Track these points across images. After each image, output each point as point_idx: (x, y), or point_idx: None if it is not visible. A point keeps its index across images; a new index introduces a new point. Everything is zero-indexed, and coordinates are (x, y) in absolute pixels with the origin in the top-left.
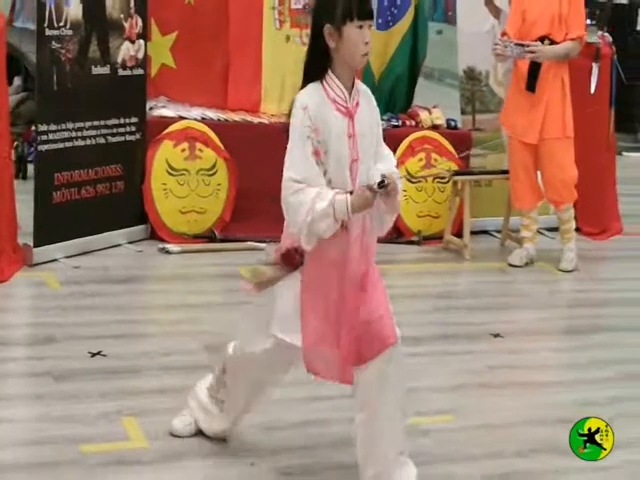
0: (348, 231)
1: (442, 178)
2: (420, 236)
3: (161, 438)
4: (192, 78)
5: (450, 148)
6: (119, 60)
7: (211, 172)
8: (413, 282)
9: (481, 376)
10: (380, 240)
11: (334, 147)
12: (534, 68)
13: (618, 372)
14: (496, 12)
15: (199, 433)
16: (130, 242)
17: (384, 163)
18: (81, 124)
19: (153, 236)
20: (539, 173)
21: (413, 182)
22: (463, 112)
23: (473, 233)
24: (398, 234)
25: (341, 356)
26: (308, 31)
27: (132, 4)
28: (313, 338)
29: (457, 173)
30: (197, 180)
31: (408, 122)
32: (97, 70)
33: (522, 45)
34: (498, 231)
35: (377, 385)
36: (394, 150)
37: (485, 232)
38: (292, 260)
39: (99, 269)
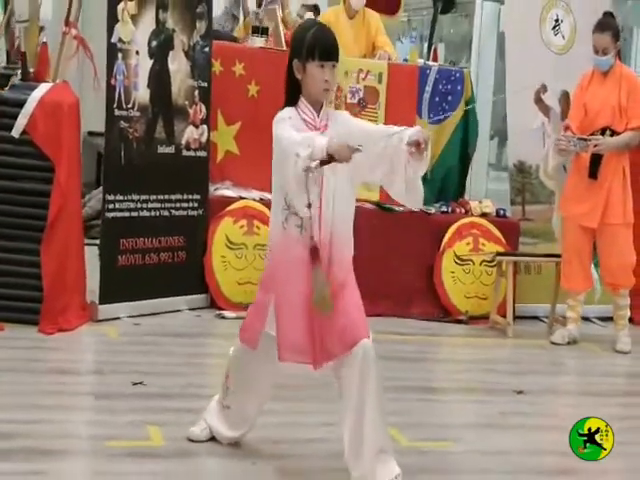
0: (308, 231)
1: (490, 261)
2: (467, 315)
3: (178, 440)
4: (254, 164)
5: (498, 234)
6: (183, 142)
7: (266, 247)
8: (450, 350)
9: (489, 418)
10: (428, 318)
11: None
12: (596, 157)
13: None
14: (545, 110)
15: (214, 439)
16: (191, 309)
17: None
18: (146, 197)
19: (212, 304)
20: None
21: (460, 264)
22: (513, 203)
23: (523, 318)
24: (445, 313)
25: (314, 342)
26: None
27: (197, 93)
28: (286, 329)
29: (501, 254)
30: (254, 254)
31: (458, 209)
32: (162, 149)
33: (585, 139)
34: (547, 317)
35: (359, 379)
36: (442, 235)
37: (535, 317)
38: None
39: (157, 326)
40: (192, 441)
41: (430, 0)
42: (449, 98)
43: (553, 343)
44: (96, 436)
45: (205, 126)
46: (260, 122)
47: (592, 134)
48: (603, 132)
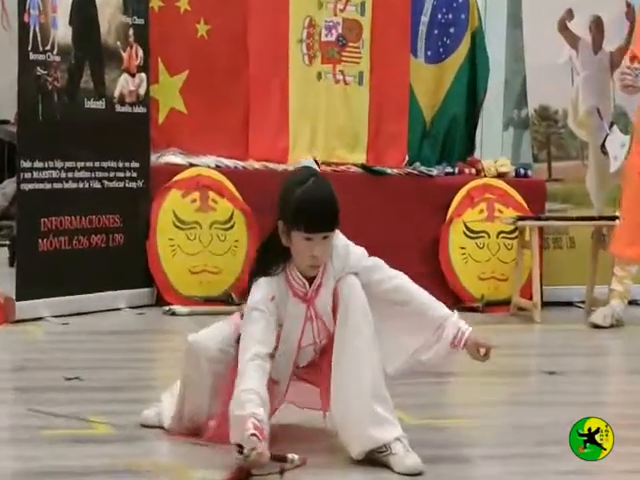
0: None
1: (510, 232)
2: (483, 302)
3: (127, 428)
4: (206, 125)
5: (519, 198)
6: (116, 94)
7: (227, 226)
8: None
9: (517, 397)
10: None
11: (285, 332)
12: None
13: None
14: (573, 40)
15: None
16: (132, 307)
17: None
18: (72, 164)
19: (159, 301)
20: None
21: (472, 237)
22: (536, 159)
23: (553, 304)
24: (455, 300)
25: None
26: (342, 67)
27: (131, 32)
28: None
29: (523, 218)
30: (210, 235)
31: (467, 170)
32: (90, 104)
33: None
34: (583, 302)
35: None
36: (448, 202)
37: (568, 303)
38: None
39: (92, 325)
40: (145, 426)
41: None
42: (451, 30)
43: (593, 325)
44: (30, 426)
45: (144, 74)
46: (212, 70)
47: None
48: None
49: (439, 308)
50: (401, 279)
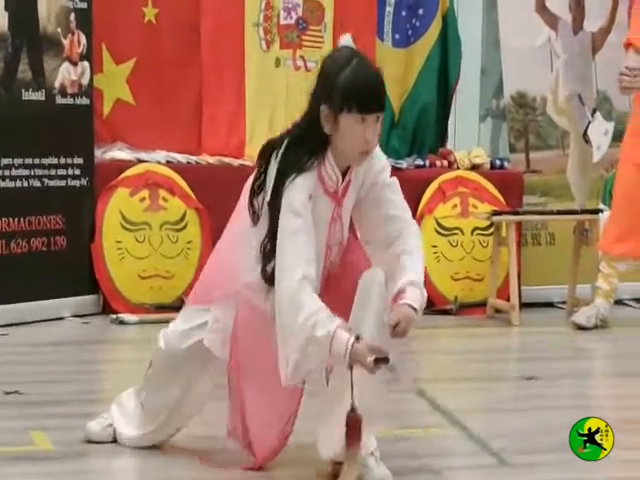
0: None
1: (485, 228)
2: (456, 304)
3: (71, 444)
4: (156, 117)
5: (494, 192)
6: (57, 85)
7: (179, 226)
8: (439, 341)
9: (495, 403)
10: None
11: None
12: None
13: None
14: (552, 20)
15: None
16: (76, 315)
17: (406, 266)
18: (8, 160)
19: (106, 309)
20: None
21: (445, 234)
22: (513, 149)
23: (532, 305)
24: (427, 303)
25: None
26: (303, 52)
27: (72, 17)
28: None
29: (498, 213)
30: (161, 237)
31: (439, 162)
32: (29, 95)
33: None
34: (564, 302)
35: None
36: (419, 197)
37: (548, 304)
38: None
39: (33, 336)
40: (91, 442)
41: None
42: (420, 12)
43: (576, 326)
44: None
45: (86, 63)
46: (162, 58)
47: None
48: None
49: (410, 273)
50: (406, 222)
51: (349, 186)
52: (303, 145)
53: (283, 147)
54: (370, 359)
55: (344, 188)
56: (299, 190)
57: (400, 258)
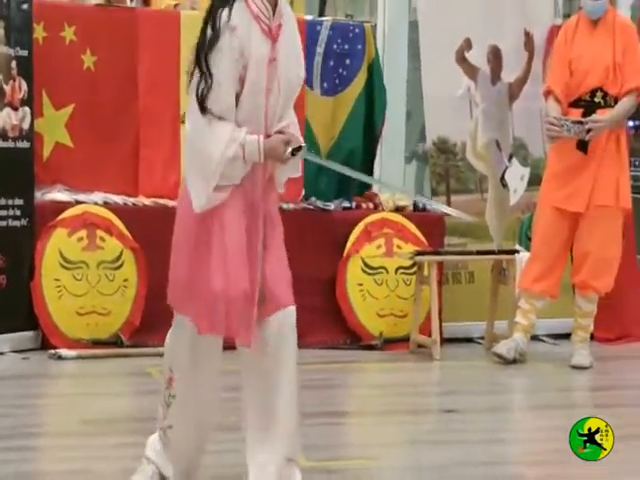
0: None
1: (408, 267)
2: (381, 339)
3: (7, 478)
4: (94, 160)
5: (417, 233)
6: None
7: (115, 265)
8: (363, 375)
9: (415, 436)
10: (329, 346)
11: (251, 75)
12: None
13: None
14: (471, 71)
15: None
16: (15, 351)
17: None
18: None
19: (45, 344)
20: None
21: (370, 273)
22: (434, 192)
23: (453, 340)
24: (353, 338)
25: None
26: None
27: (14, 64)
28: (222, 282)
29: (421, 253)
30: (98, 275)
31: (365, 204)
32: None
33: (581, 122)
34: (483, 337)
35: (275, 345)
36: (346, 237)
37: (468, 340)
38: None
39: None
40: None
41: None
42: (347, 62)
43: (496, 355)
44: None
45: (27, 108)
46: (99, 103)
47: (579, 98)
48: (593, 95)
49: None
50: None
51: (281, 30)
52: None
53: None
54: (287, 152)
55: (277, 28)
56: (227, 16)
57: None
